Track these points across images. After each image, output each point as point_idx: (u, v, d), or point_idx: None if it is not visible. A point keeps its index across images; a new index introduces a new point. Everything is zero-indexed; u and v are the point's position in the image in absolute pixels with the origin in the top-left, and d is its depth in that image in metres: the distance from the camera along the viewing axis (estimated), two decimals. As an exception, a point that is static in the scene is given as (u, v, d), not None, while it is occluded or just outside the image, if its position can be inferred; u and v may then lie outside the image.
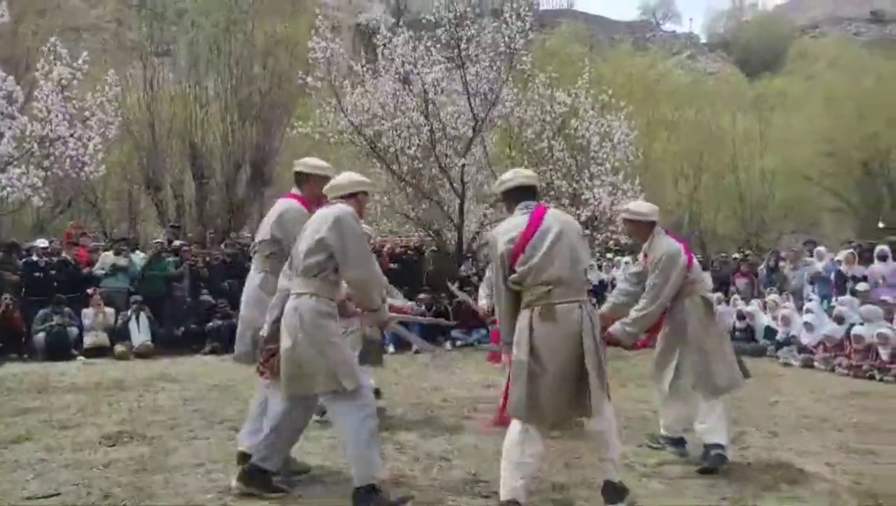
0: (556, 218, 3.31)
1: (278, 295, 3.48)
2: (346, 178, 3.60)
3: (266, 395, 3.68)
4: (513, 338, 3.21)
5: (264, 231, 3.88)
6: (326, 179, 3.87)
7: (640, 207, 4.35)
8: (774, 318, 9.69)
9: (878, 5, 54.09)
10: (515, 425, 3.16)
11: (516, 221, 3.28)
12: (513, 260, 3.19)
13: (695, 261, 4.25)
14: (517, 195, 3.40)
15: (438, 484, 3.65)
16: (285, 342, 3.27)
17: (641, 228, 4.21)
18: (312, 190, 3.87)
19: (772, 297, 10.22)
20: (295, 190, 3.94)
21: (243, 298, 3.93)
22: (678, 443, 4.29)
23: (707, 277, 11.81)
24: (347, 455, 3.30)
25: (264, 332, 3.49)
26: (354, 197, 3.49)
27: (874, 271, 9.29)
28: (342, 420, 3.29)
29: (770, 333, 9.62)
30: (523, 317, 3.17)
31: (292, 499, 3.41)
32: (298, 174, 3.95)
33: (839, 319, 8.43)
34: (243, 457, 3.69)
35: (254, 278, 3.88)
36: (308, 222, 3.42)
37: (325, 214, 3.36)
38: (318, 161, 4.06)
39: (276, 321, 3.39)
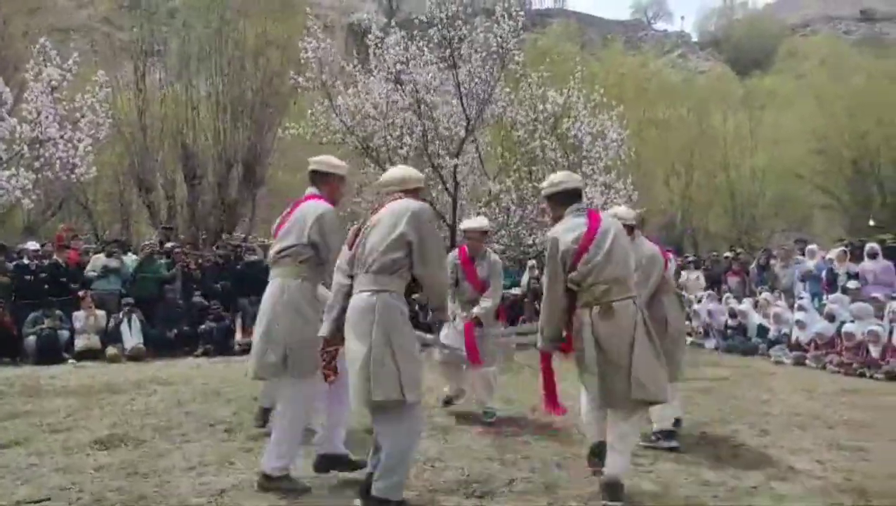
0: (609, 220, 3.53)
1: (338, 292, 3.29)
2: (406, 172, 3.46)
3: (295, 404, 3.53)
4: (558, 337, 3.50)
5: (297, 235, 3.54)
6: (344, 179, 3.81)
7: (622, 211, 4.69)
8: (766, 316, 9.75)
9: (867, 4, 54.46)
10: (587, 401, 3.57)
11: (576, 222, 3.45)
12: (576, 259, 3.36)
13: (669, 262, 4.65)
14: (568, 198, 3.56)
15: (432, 485, 3.64)
16: (356, 343, 3.05)
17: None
18: (331, 190, 3.72)
19: (764, 295, 10.28)
20: (312, 190, 3.70)
21: (271, 308, 3.53)
22: (670, 436, 4.35)
23: (699, 276, 11.95)
24: (382, 464, 3.09)
25: (325, 332, 3.29)
26: (415, 192, 3.35)
27: (864, 269, 9.35)
28: (392, 430, 3.08)
29: (762, 331, 9.68)
30: (582, 315, 3.38)
31: (292, 501, 3.40)
32: (317, 173, 3.72)
33: (830, 317, 8.48)
34: (266, 479, 3.48)
35: (288, 286, 3.52)
36: (379, 217, 3.22)
37: (400, 209, 3.16)
38: (335, 160, 3.87)
39: (337, 320, 3.23)
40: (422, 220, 3.13)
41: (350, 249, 3.29)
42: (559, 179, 3.66)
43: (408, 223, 3.09)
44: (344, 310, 3.20)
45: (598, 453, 3.61)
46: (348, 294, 3.22)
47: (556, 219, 3.61)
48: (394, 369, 2.97)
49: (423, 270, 3.13)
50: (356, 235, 3.28)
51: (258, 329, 3.61)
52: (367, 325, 3.02)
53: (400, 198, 3.26)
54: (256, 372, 3.62)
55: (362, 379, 3.00)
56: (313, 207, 3.58)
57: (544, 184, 3.77)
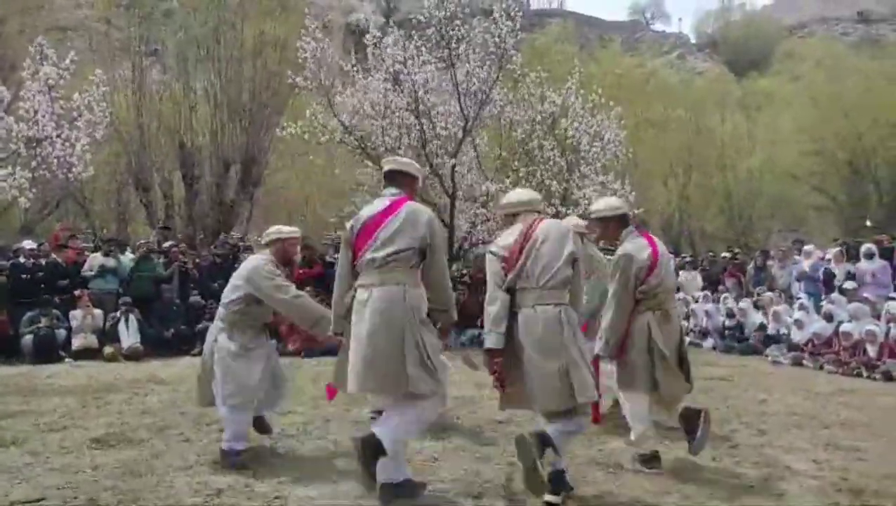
0: (659, 241, 4.05)
1: (503, 306, 3.36)
2: (531, 193, 3.84)
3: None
4: (619, 344, 3.87)
5: (410, 239, 3.33)
6: (419, 181, 3.80)
7: (575, 220, 5.19)
8: (766, 315, 9.76)
9: (864, 5, 54.57)
10: (638, 398, 3.89)
11: (641, 242, 3.94)
12: (647, 273, 3.85)
13: None
14: (624, 221, 4.04)
15: (429, 484, 3.63)
16: (545, 354, 3.28)
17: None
18: (412, 191, 3.62)
19: (767, 294, 10.28)
20: (395, 190, 3.52)
21: (398, 316, 3.23)
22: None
23: (697, 277, 11.95)
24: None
25: (497, 344, 3.35)
26: (539, 211, 3.69)
27: (861, 269, 9.37)
28: (562, 422, 3.36)
29: (760, 330, 9.68)
30: (642, 318, 3.83)
31: (293, 500, 3.40)
32: (400, 173, 3.61)
33: (828, 317, 8.49)
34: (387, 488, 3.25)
35: (409, 294, 3.28)
36: (543, 234, 3.42)
37: (563, 228, 3.53)
38: (414, 162, 3.89)
39: (506, 332, 3.37)
40: (577, 239, 3.58)
41: (513, 263, 3.40)
42: (616, 204, 4.15)
43: (574, 242, 3.46)
44: (510, 322, 3.39)
45: (657, 458, 3.90)
46: (509, 306, 3.41)
47: (612, 239, 4.10)
48: (588, 373, 3.33)
49: (577, 284, 3.51)
50: (520, 251, 3.41)
51: (371, 338, 3.22)
52: (558, 336, 3.30)
53: (543, 218, 3.57)
54: (380, 386, 3.29)
55: (561, 384, 3.25)
56: (419, 210, 3.44)
57: (600, 206, 4.16)
